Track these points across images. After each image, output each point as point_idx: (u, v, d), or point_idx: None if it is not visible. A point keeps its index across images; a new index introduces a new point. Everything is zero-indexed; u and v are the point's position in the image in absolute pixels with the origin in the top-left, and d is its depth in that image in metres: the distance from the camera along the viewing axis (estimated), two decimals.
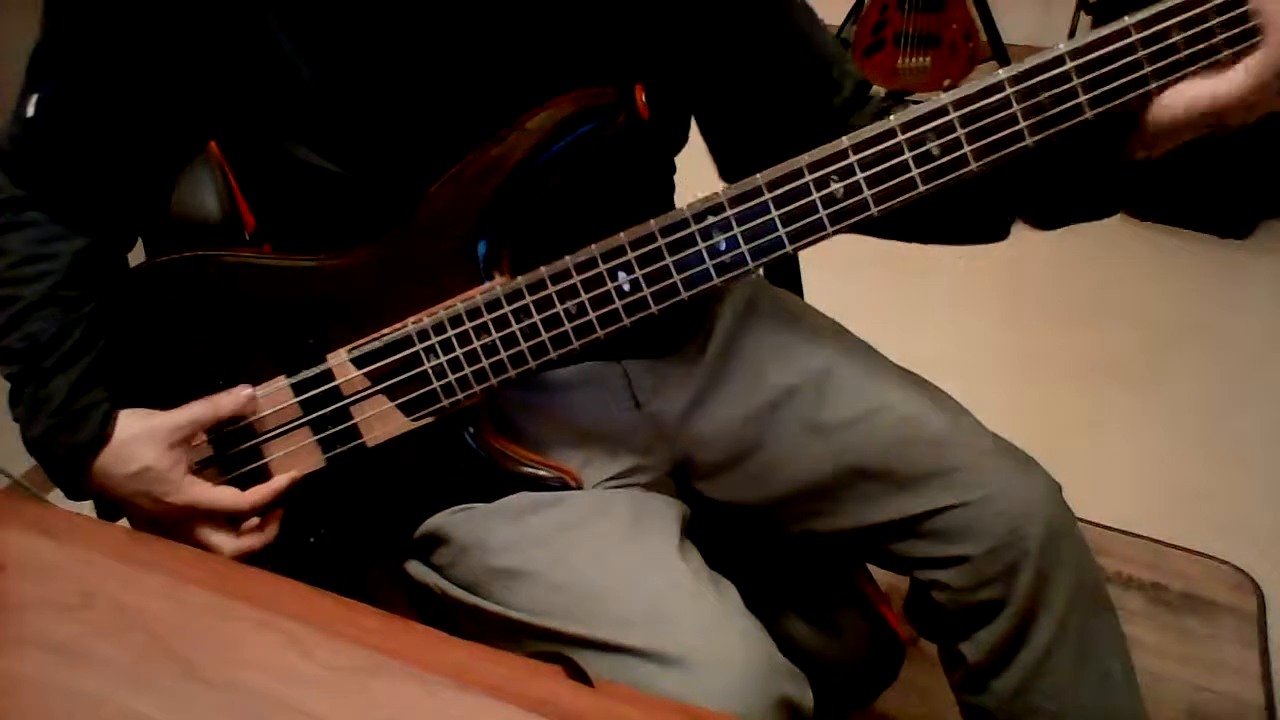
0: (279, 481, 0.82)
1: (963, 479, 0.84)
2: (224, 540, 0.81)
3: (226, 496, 0.81)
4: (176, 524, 0.81)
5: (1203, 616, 1.50)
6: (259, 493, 0.81)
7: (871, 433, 0.87)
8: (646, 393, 0.90)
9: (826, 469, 0.87)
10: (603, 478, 0.87)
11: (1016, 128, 0.66)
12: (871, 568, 1.10)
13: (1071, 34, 2.79)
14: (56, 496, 0.85)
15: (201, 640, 0.64)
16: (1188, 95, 0.65)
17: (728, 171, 0.92)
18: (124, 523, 0.86)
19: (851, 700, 1.22)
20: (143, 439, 0.79)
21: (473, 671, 0.61)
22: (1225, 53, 0.63)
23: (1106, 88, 0.65)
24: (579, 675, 0.60)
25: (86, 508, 0.85)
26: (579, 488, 0.84)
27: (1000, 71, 0.65)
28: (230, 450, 0.83)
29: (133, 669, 0.63)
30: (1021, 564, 0.82)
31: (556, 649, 0.74)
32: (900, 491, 0.85)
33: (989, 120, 0.66)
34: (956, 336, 1.90)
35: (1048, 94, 0.65)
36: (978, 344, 1.92)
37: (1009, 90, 0.66)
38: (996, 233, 0.81)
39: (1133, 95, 0.65)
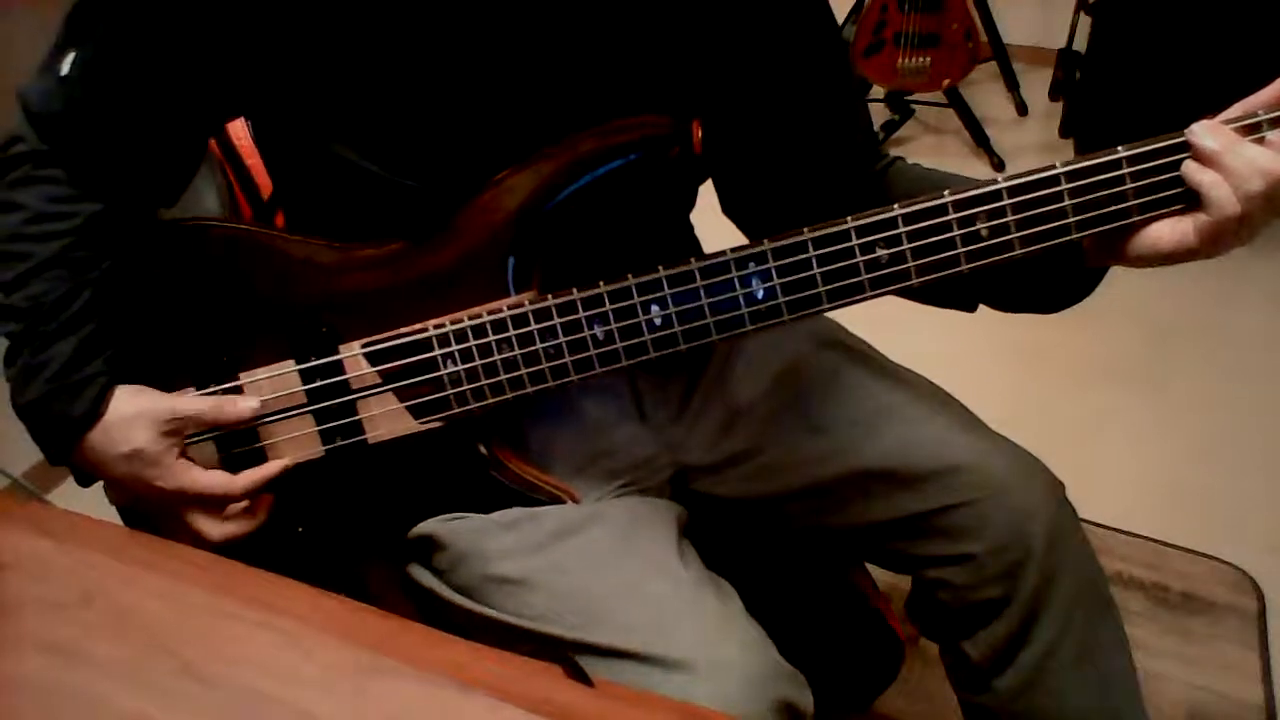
0: (272, 467, 0.80)
1: (967, 478, 0.84)
2: (210, 525, 0.80)
3: (218, 481, 0.78)
4: (164, 507, 0.80)
5: (1203, 616, 1.50)
6: (251, 476, 0.79)
7: (874, 433, 0.87)
8: (652, 403, 0.90)
9: (829, 469, 0.87)
10: (603, 486, 0.87)
11: (1065, 221, 0.68)
12: (871, 568, 1.10)
13: (1071, 34, 2.81)
14: (56, 496, 0.85)
15: (200, 640, 0.64)
16: (1154, 230, 0.68)
17: (732, 206, 0.92)
18: (117, 517, 0.85)
19: (851, 700, 1.22)
20: (137, 420, 0.76)
21: (473, 671, 0.61)
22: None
23: (1156, 195, 0.67)
24: (579, 675, 0.60)
25: (86, 507, 0.85)
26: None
27: (1056, 164, 0.68)
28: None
29: (131, 668, 0.63)
30: (1026, 562, 0.82)
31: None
32: (905, 490, 0.85)
33: (1040, 210, 0.68)
34: (956, 335, 1.89)
35: (1102, 193, 0.67)
36: (978, 343, 1.91)
37: (1064, 185, 0.68)
38: (968, 308, 0.83)
39: (1175, 208, 0.67)
